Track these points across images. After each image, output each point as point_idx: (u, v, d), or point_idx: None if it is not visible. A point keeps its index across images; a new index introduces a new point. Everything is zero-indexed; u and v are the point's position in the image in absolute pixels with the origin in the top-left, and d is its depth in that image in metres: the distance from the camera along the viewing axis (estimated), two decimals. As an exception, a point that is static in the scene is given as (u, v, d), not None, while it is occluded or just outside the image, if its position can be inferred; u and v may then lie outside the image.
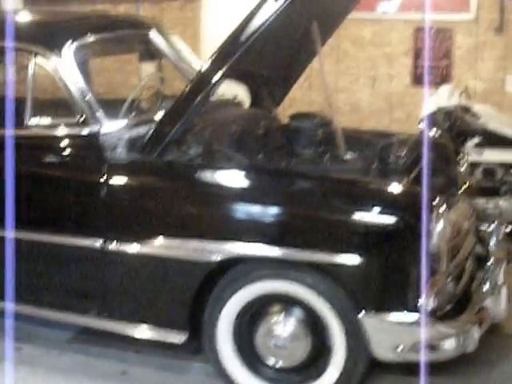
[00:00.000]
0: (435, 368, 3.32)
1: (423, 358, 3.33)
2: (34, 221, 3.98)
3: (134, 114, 4.02)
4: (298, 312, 3.57)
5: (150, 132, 3.85)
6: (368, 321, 3.38)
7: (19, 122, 3.96)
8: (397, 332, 3.40)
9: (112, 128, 3.87)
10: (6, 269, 4.12)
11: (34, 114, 3.94)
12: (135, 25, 4.76)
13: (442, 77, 7.34)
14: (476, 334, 3.50)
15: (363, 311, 3.37)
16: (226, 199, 3.60)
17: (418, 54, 7.55)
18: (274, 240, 3.45)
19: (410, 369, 3.55)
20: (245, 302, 3.60)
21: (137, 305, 3.82)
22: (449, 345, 3.44)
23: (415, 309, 3.34)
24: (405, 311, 3.36)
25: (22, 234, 3.95)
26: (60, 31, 4.19)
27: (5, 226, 4.01)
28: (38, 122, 3.95)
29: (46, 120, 3.96)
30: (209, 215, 3.60)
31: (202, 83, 3.78)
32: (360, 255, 3.32)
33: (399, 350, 3.39)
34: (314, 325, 3.54)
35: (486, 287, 3.74)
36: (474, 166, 5.28)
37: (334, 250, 3.36)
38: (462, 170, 4.36)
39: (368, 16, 7.52)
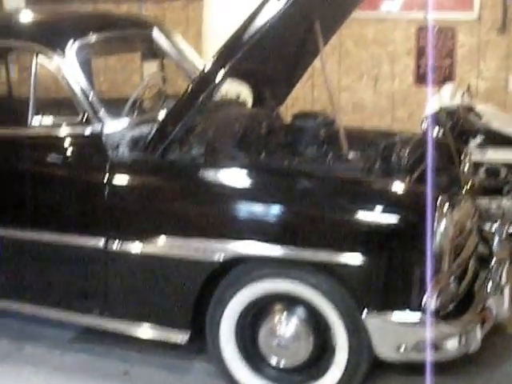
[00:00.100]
0: (438, 368, 3.31)
1: (426, 357, 3.32)
2: (36, 220, 3.98)
3: (136, 113, 4.01)
4: (300, 311, 3.57)
5: (153, 131, 3.84)
6: (371, 320, 3.38)
7: (22, 122, 3.97)
8: (399, 332, 3.40)
9: (114, 127, 3.87)
10: (8, 268, 4.14)
11: (37, 114, 3.95)
12: (138, 24, 4.76)
13: (445, 76, 7.32)
14: (479, 333, 3.49)
15: (366, 311, 3.37)
16: (229, 198, 3.60)
17: (420, 54, 7.54)
18: (277, 239, 3.45)
19: (413, 368, 3.54)
20: (247, 301, 3.60)
21: (139, 304, 3.82)
22: (451, 344, 3.43)
23: (418, 308, 3.34)
24: (408, 311, 3.35)
25: (24, 233, 3.96)
26: (62, 30, 4.18)
27: (8, 226, 4.03)
28: (40, 122, 3.95)
29: (48, 119, 3.96)
30: (211, 214, 3.60)
31: (204, 82, 3.78)
32: (363, 254, 3.32)
33: (402, 349, 3.39)
34: (316, 324, 3.54)
35: (489, 287, 3.74)
36: (476, 165, 5.27)
37: (337, 250, 3.35)
38: (465, 169, 4.36)
39: (371, 15, 7.51)
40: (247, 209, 3.54)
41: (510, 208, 5.32)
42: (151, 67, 4.92)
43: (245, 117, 4.51)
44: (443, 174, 3.94)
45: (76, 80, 3.90)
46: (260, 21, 3.63)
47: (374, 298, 3.39)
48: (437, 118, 5.31)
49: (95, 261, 3.81)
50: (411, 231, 3.34)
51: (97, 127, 3.84)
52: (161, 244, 3.65)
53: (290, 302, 3.57)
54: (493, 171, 5.54)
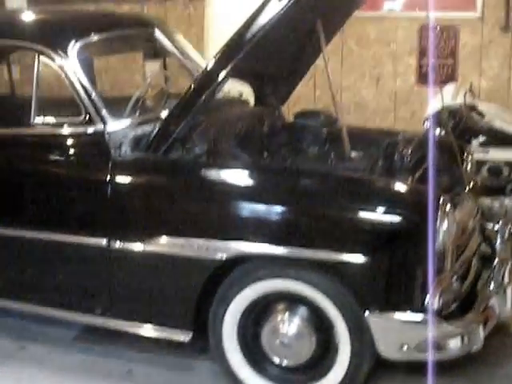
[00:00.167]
0: (440, 367, 3.31)
1: (428, 357, 3.32)
2: (38, 219, 3.98)
3: (138, 112, 4.01)
4: (303, 311, 3.56)
5: (155, 130, 3.85)
6: (373, 320, 3.38)
7: (24, 121, 3.97)
8: (402, 331, 3.39)
9: (117, 126, 3.87)
10: (10, 267, 4.14)
11: (39, 113, 3.95)
12: (140, 23, 4.75)
13: (447, 75, 7.31)
14: (481, 333, 3.49)
15: (368, 310, 3.37)
16: (231, 197, 3.59)
17: (422, 53, 7.53)
18: (280, 238, 3.45)
19: (416, 368, 3.54)
20: (250, 300, 3.60)
21: (142, 303, 3.82)
22: (454, 344, 3.43)
23: (421, 308, 3.33)
24: (410, 310, 3.35)
25: (26, 232, 3.96)
26: (65, 30, 4.18)
27: (10, 225, 4.04)
28: (43, 121, 3.95)
29: (51, 119, 3.96)
30: (214, 213, 3.60)
31: (206, 82, 3.78)
32: (365, 254, 3.32)
33: (404, 349, 3.39)
34: (319, 323, 3.54)
35: (492, 286, 3.73)
36: (479, 164, 5.26)
37: (340, 249, 3.35)
38: (468, 168, 4.35)
39: (373, 14, 7.51)
40: (250, 207, 3.54)
41: (512, 207, 5.32)
42: (153, 66, 4.92)
43: (247, 116, 4.51)
44: (445, 174, 3.94)
45: (78, 80, 3.90)
46: (262, 20, 3.63)
47: (377, 297, 3.39)
48: (439, 118, 5.30)
49: (97, 260, 3.81)
50: (413, 230, 3.33)
51: (99, 126, 3.84)
52: (163, 243, 3.64)
53: (292, 301, 3.57)
54: (495, 170, 5.54)
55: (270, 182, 3.70)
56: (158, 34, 4.60)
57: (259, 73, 4.49)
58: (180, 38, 4.83)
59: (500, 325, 3.80)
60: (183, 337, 3.72)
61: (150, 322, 3.80)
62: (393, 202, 3.44)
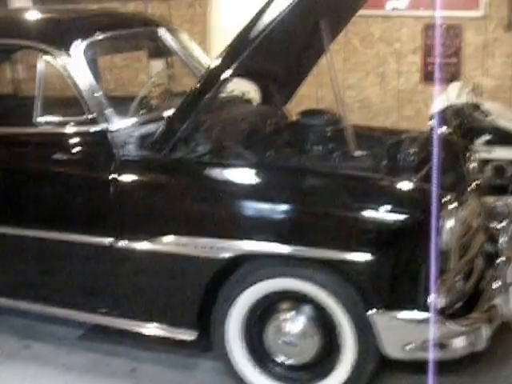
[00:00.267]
0: (444, 366, 3.31)
1: (433, 356, 3.32)
2: (43, 218, 3.99)
3: (143, 111, 4.02)
4: (307, 310, 3.56)
5: (160, 129, 3.85)
6: (378, 319, 3.38)
7: (28, 120, 3.97)
8: (406, 330, 3.39)
9: (121, 125, 3.87)
10: (15, 266, 4.15)
11: (44, 112, 3.95)
12: (144, 22, 4.76)
13: (452, 74, 7.32)
14: (486, 332, 3.49)
15: (373, 309, 3.37)
16: (236, 196, 3.59)
17: (427, 52, 7.53)
18: (284, 237, 3.45)
19: (420, 367, 3.54)
20: (254, 299, 3.60)
21: (146, 302, 3.82)
22: (458, 343, 3.43)
23: (425, 307, 3.32)
24: (415, 309, 3.35)
25: (31, 231, 3.97)
26: (69, 29, 4.18)
27: (15, 224, 4.04)
28: (47, 120, 3.95)
29: (55, 118, 3.96)
30: (218, 212, 3.60)
31: (211, 80, 3.77)
32: (370, 253, 3.31)
33: (409, 348, 3.39)
34: (323, 322, 3.54)
35: (496, 285, 3.73)
36: (483, 163, 5.26)
37: (344, 248, 3.35)
38: (472, 167, 4.35)
39: (377, 13, 7.51)
40: (254, 206, 3.54)
41: (516, 206, 5.31)
42: (158, 65, 4.92)
43: (251, 115, 4.51)
44: (450, 173, 3.94)
45: (83, 79, 3.90)
46: (266, 19, 3.63)
47: (381, 296, 3.39)
48: (443, 116, 5.30)
49: (102, 259, 3.82)
50: (418, 229, 3.32)
51: (104, 125, 3.84)
52: (167, 242, 3.64)
53: (297, 300, 3.57)
54: (499, 169, 5.53)
55: (274, 181, 3.70)
56: (162, 32, 4.60)
57: (263, 72, 4.48)
58: (185, 36, 4.83)
59: (504, 324, 3.80)
60: (188, 336, 3.72)
61: (155, 321, 3.80)
62: (397, 200, 3.44)
